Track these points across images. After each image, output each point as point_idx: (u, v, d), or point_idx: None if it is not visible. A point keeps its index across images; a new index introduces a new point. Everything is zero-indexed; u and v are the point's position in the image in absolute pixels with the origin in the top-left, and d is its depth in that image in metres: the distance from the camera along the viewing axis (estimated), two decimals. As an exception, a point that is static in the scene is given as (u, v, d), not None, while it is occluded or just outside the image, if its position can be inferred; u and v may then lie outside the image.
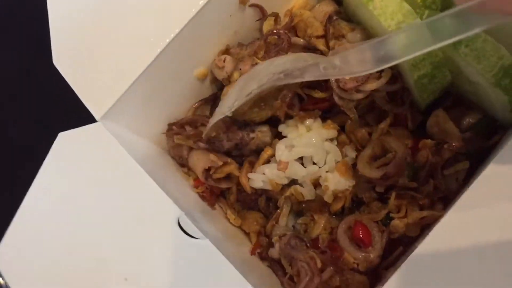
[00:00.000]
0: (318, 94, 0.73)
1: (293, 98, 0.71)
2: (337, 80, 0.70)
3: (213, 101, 0.81)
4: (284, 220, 0.74)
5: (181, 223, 0.59)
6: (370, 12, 0.67)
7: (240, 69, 0.74)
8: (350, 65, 0.59)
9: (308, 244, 0.72)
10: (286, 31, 0.75)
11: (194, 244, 0.59)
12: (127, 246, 0.59)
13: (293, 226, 0.75)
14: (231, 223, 0.75)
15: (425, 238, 0.55)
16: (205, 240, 0.59)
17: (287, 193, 0.73)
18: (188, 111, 0.79)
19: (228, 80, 0.75)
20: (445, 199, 0.69)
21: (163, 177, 0.67)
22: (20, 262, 0.59)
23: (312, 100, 0.73)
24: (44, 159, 0.62)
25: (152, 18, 0.67)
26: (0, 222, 0.86)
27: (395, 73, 0.70)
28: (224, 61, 0.75)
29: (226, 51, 0.77)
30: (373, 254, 0.67)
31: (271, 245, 0.74)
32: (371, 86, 0.69)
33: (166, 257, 0.58)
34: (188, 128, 0.74)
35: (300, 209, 0.75)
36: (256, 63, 0.74)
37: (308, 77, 0.62)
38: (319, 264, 0.68)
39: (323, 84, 0.73)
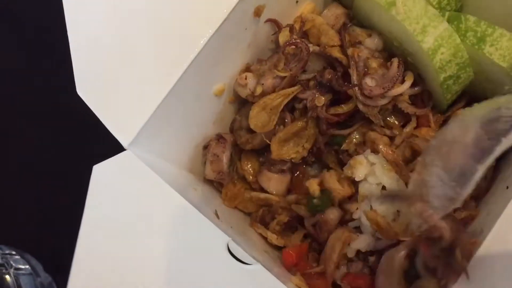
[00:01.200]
0: (343, 109, 0.73)
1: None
2: (360, 88, 0.70)
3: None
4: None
5: (230, 249, 0.58)
6: (392, 17, 0.67)
7: (263, 84, 0.73)
8: None
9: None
10: (303, 40, 0.74)
11: (245, 270, 0.58)
12: (178, 277, 0.57)
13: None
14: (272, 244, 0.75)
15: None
16: (257, 265, 0.58)
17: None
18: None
19: (252, 96, 0.74)
20: (476, 197, 0.70)
21: (198, 201, 0.66)
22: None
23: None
24: (79, 193, 0.59)
25: (171, 39, 0.65)
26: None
27: (416, 76, 0.71)
28: (246, 79, 0.74)
29: (247, 69, 0.77)
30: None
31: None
32: (397, 91, 0.70)
33: (218, 285, 0.57)
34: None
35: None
36: (276, 76, 0.73)
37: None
38: None
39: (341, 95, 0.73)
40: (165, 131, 0.69)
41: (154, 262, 0.58)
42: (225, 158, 0.77)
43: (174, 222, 0.59)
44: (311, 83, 0.73)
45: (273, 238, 0.75)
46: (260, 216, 0.78)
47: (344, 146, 0.73)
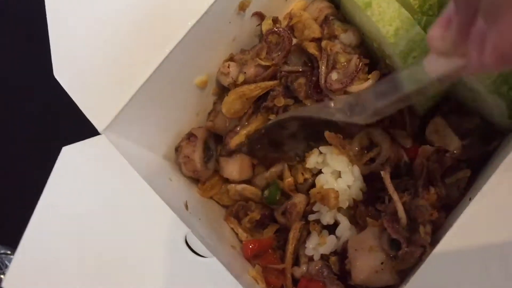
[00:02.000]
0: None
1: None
2: (325, 82, 0.71)
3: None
4: (313, 243, 0.73)
5: (188, 241, 0.59)
6: (368, 17, 0.67)
7: (245, 72, 0.75)
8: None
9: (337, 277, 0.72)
10: (286, 29, 0.75)
11: (202, 263, 0.59)
12: (132, 264, 0.59)
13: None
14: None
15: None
16: (212, 258, 0.59)
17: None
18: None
19: (234, 85, 0.76)
20: (446, 207, 0.69)
21: (168, 191, 0.67)
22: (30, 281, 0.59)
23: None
24: (48, 174, 0.61)
25: (152, 28, 0.66)
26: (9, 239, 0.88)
27: (386, 74, 0.71)
28: (228, 67, 0.76)
29: (230, 58, 0.78)
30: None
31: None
32: (357, 87, 0.71)
33: (173, 276, 0.58)
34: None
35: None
36: (258, 64, 0.75)
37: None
38: None
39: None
40: (144, 118, 0.71)
41: (108, 250, 0.59)
42: (196, 157, 0.77)
43: (136, 210, 0.61)
44: (281, 82, 0.75)
45: (242, 236, 0.76)
46: (235, 210, 0.79)
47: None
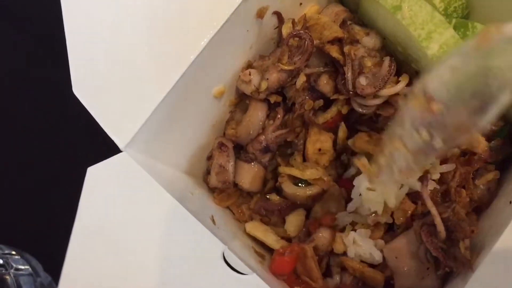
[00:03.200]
0: (328, 115, 0.74)
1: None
2: (354, 87, 0.69)
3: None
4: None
5: (226, 258, 0.56)
6: (397, 21, 0.66)
7: (267, 79, 0.72)
8: None
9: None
10: (307, 31, 0.72)
11: (241, 280, 0.56)
12: (171, 285, 0.56)
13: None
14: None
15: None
16: (252, 275, 0.57)
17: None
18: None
19: (257, 92, 0.73)
20: (477, 210, 0.69)
21: (195, 206, 0.65)
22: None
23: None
24: (73, 196, 0.58)
25: (170, 41, 0.64)
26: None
27: (413, 75, 0.69)
28: (250, 75, 0.73)
29: (249, 65, 0.75)
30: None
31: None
32: (389, 91, 0.69)
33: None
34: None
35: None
36: (281, 70, 0.72)
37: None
38: None
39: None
40: (163, 133, 0.68)
41: (146, 269, 0.57)
42: (230, 167, 0.75)
43: (169, 227, 0.58)
44: (304, 84, 0.72)
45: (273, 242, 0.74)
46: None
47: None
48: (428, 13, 0.64)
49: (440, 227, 0.62)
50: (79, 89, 0.61)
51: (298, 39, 0.72)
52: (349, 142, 0.73)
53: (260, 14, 0.71)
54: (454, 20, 0.67)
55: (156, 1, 0.64)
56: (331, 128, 0.74)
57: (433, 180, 0.67)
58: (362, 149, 0.70)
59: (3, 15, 1.03)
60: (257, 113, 0.75)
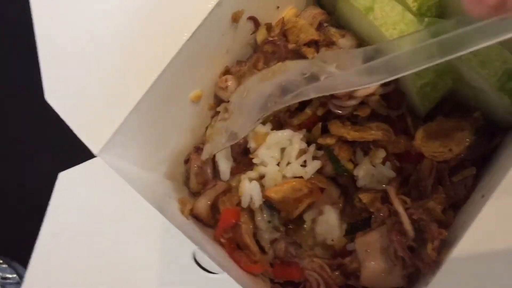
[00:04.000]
0: (305, 116, 0.73)
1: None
2: None
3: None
4: (263, 222, 0.72)
5: (197, 258, 0.57)
6: (370, 22, 0.67)
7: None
8: (348, 74, 0.59)
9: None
10: (281, 37, 0.74)
11: (212, 279, 0.57)
12: (141, 285, 0.57)
13: (269, 221, 0.73)
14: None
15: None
16: (223, 274, 0.57)
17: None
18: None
19: None
20: (455, 205, 0.69)
21: (170, 209, 0.65)
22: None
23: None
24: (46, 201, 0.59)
25: (144, 45, 0.65)
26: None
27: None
28: (226, 81, 0.74)
29: (226, 71, 0.76)
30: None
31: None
32: (364, 91, 0.69)
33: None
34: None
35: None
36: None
37: (314, 95, 0.61)
38: (329, 271, 0.68)
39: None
40: (140, 138, 0.68)
41: (116, 272, 0.57)
42: (208, 168, 0.76)
43: (141, 231, 0.59)
44: None
45: None
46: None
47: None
48: (399, 13, 0.65)
49: (408, 226, 0.62)
50: (51, 97, 0.62)
51: (272, 45, 0.73)
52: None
53: (235, 19, 0.72)
54: (426, 19, 0.67)
55: (130, 5, 0.65)
56: (308, 129, 0.75)
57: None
58: (337, 133, 0.71)
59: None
60: None
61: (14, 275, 0.90)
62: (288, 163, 0.71)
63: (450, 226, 0.66)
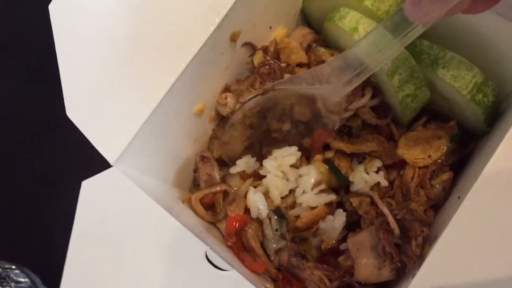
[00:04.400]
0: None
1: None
2: (325, 105, 0.76)
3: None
4: (269, 231, 0.78)
5: (208, 257, 0.63)
6: (355, 41, 0.72)
7: (241, 103, 0.80)
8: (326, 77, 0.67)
9: (306, 257, 0.76)
10: (275, 60, 0.81)
11: (222, 276, 0.63)
12: (160, 281, 0.63)
13: (276, 230, 0.78)
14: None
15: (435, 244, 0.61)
16: (233, 271, 0.63)
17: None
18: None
19: (233, 114, 0.81)
20: (435, 207, 0.76)
21: (181, 214, 0.71)
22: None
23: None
24: (70, 210, 0.65)
25: (153, 66, 0.71)
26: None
27: (375, 89, 0.77)
28: (226, 98, 0.81)
29: (226, 89, 0.83)
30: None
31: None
32: (357, 104, 0.77)
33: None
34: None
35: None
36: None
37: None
38: (327, 283, 0.73)
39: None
40: (150, 149, 0.74)
41: (136, 270, 0.63)
42: (216, 174, 0.83)
43: (158, 235, 0.65)
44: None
45: None
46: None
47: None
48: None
49: (394, 225, 0.69)
50: (72, 112, 0.68)
51: (268, 67, 0.80)
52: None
53: (233, 39, 0.79)
54: (404, 38, 0.74)
55: (139, 30, 0.72)
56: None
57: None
58: (336, 147, 0.79)
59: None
60: (242, 136, 0.83)
61: (27, 280, 0.95)
62: (304, 192, 0.77)
63: (431, 224, 0.73)
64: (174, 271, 0.63)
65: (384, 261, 0.70)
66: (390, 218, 0.70)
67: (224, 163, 0.85)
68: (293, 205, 0.78)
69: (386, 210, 0.71)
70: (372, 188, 0.76)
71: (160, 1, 0.73)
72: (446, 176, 0.76)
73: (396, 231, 0.69)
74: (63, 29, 0.70)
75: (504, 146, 0.62)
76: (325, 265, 0.74)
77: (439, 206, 0.76)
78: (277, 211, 0.76)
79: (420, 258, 0.65)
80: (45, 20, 0.69)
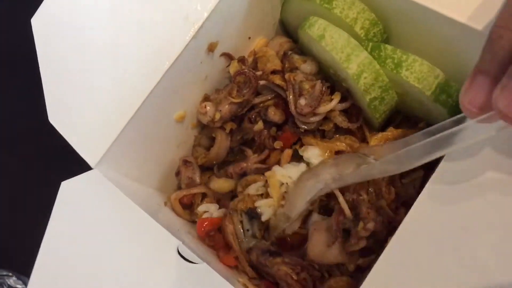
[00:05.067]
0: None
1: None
2: (295, 107, 0.80)
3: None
4: (240, 232, 0.82)
5: (180, 251, 0.67)
6: (323, 47, 0.77)
7: (220, 110, 0.85)
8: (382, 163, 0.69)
9: (275, 252, 0.79)
10: (251, 69, 0.85)
11: (193, 269, 0.66)
12: (132, 275, 0.66)
13: (248, 230, 0.81)
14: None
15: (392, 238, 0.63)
16: (203, 264, 0.67)
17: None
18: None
19: (213, 122, 0.85)
20: (406, 204, 0.78)
21: (159, 213, 0.75)
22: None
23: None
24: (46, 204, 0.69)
25: (134, 71, 0.75)
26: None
27: (344, 92, 0.81)
28: (205, 107, 0.85)
29: (206, 98, 0.88)
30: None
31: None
32: (325, 108, 0.80)
33: (169, 281, 0.65)
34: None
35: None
36: (231, 102, 0.84)
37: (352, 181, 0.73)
38: (295, 277, 0.75)
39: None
40: (131, 153, 0.79)
41: (113, 268, 0.67)
42: (197, 178, 0.88)
43: (136, 235, 0.69)
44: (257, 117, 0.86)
45: None
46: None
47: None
48: (345, 39, 0.75)
49: (344, 206, 0.73)
50: (54, 119, 0.73)
51: (244, 76, 0.84)
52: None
53: (211, 49, 0.83)
54: (370, 44, 0.78)
55: (119, 41, 0.76)
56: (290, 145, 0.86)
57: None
58: (308, 143, 0.83)
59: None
60: (224, 143, 0.89)
61: (23, 286, 0.99)
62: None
63: (401, 221, 0.75)
64: (148, 266, 0.67)
65: (333, 242, 0.73)
66: (341, 199, 0.73)
67: (208, 168, 0.89)
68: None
69: (337, 192, 0.74)
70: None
71: (139, 13, 0.77)
72: (417, 174, 0.78)
73: (347, 212, 0.72)
74: (45, 41, 0.75)
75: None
76: (294, 257, 0.76)
77: (409, 203, 0.78)
78: (249, 212, 0.79)
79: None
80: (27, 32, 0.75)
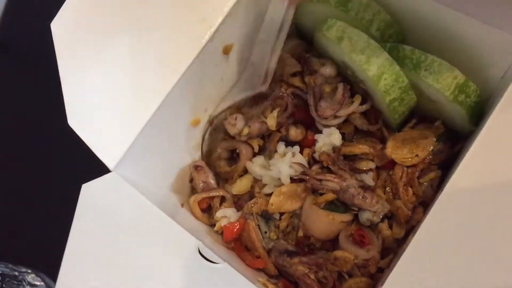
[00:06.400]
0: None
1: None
2: (316, 110, 0.80)
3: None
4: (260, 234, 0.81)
5: (201, 251, 0.67)
6: (342, 49, 0.77)
7: (250, 126, 0.84)
8: None
9: (293, 252, 0.78)
10: (290, 94, 0.85)
11: (214, 268, 0.66)
12: (154, 275, 0.67)
13: (265, 232, 0.81)
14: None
15: (413, 238, 0.63)
16: (224, 264, 0.67)
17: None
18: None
19: (239, 135, 0.85)
20: (424, 204, 0.79)
21: (177, 215, 0.75)
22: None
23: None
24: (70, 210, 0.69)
25: (149, 76, 0.75)
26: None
27: (363, 94, 0.81)
28: (235, 119, 0.85)
29: (238, 109, 0.88)
30: (374, 250, 0.75)
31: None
32: (346, 111, 0.80)
33: (190, 281, 0.65)
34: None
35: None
36: (263, 122, 0.84)
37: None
38: (312, 277, 0.75)
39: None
40: (147, 156, 0.78)
41: (135, 267, 0.67)
42: (211, 180, 0.87)
43: (156, 235, 0.68)
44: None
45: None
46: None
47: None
48: (365, 41, 0.75)
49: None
50: (73, 123, 0.73)
51: (282, 100, 0.84)
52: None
53: (226, 51, 0.83)
54: (388, 45, 0.78)
55: (138, 43, 0.76)
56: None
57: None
58: None
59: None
60: (249, 157, 0.87)
61: (42, 283, 1.00)
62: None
63: (419, 221, 0.75)
64: (167, 265, 0.66)
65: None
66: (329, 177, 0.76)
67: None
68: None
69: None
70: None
71: (155, 17, 0.77)
72: (434, 174, 0.79)
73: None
74: (64, 45, 0.75)
75: (475, 148, 0.64)
76: (312, 256, 0.76)
77: (428, 203, 0.78)
78: (264, 214, 0.79)
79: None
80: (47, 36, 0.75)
